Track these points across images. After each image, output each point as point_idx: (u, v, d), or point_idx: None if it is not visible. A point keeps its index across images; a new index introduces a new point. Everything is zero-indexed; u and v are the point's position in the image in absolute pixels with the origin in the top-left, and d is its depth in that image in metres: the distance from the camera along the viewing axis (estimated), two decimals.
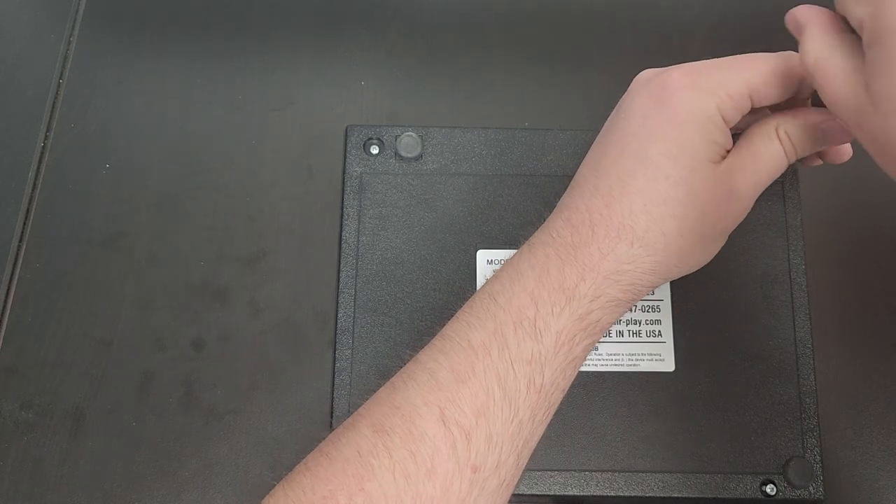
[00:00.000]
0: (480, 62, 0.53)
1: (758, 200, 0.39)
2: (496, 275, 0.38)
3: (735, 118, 0.37)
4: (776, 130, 0.38)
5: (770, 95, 0.37)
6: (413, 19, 0.54)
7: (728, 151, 0.38)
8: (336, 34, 0.54)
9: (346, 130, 0.49)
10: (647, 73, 0.39)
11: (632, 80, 0.40)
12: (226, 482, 0.44)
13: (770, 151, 0.38)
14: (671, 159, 0.36)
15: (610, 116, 0.40)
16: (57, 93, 0.52)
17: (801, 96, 0.38)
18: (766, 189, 0.39)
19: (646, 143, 0.36)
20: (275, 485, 0.35)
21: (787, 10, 0.35)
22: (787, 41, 0.37)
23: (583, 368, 0.43)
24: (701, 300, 0.46)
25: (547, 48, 0.54)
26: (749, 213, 0.39)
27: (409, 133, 0.49)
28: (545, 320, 0.36)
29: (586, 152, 0.40)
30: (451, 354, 0.35)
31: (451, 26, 0.54)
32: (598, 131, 0.40)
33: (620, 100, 0.40)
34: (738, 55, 0.38)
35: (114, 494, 0.44)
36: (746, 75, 0.37)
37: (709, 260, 0.39)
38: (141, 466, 0.44)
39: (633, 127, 0.37)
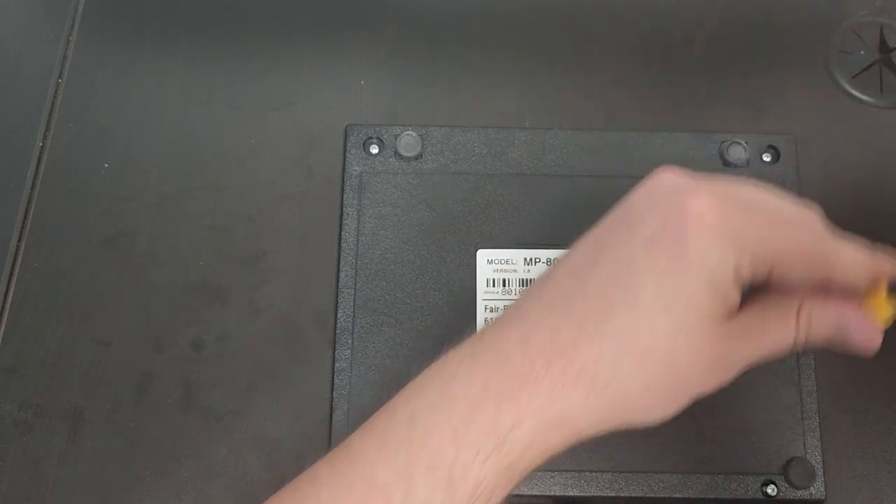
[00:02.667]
0: (480, 62, 0.53)
1: None
2: (425, 375, 0.32)
3: (749, 280, 0.31)
4: (798, 310, 0.32)
5: (795, 275, 0.32)
6: (413, 19, 0.54)
7: (732, 312, 0.32)
8: (336, 34, 0.54)
9: (346, 130, 0.49)
10: (670, 178, 0.32)
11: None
12: (225, 483, 0.44)
13: (781, 331, 0.32)
14: (664, 307, 0.30)
15: (614, 211, 0.33)
16: (56, 92, 0.52)
17: (833, 285, 0.32)
18: None
19: (642, 277, 0.30)
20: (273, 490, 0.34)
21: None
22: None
23: None
24: None
25: (547, 48, 0.53)
26: None
27: (409, 132, 0.48)
28: (465, 467, 0.30)
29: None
30: (350, 489, 0.31)
31: (451, 26, 0.54)
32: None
33: (632, 193, 0.33)
34: (785, 203, 0.32)
35: (113, 495, 0.44)
36: (782, 237, 0.31)
37: (667, 419, 0.32)
38: (140, 467, 0.44)
39: (634, 249, 0.31)
